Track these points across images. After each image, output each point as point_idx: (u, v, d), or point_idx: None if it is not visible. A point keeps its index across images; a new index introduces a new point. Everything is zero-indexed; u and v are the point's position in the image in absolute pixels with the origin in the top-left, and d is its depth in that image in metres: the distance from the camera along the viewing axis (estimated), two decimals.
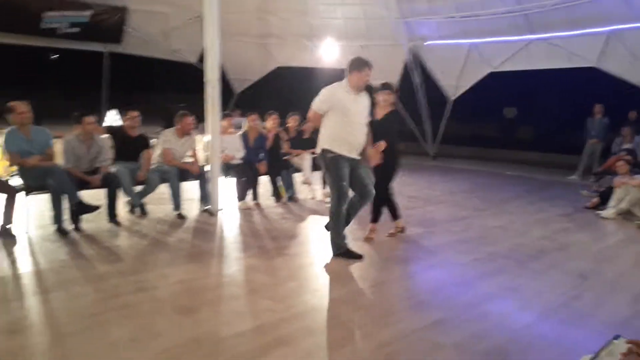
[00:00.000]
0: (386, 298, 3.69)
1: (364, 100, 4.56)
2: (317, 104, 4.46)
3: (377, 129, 4.83)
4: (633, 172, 6.99)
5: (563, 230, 5.96)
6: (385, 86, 5.07)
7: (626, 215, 6.60)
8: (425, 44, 12.88)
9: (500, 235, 5.65)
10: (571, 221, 6.46)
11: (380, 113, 4.99)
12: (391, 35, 12.88)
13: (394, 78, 13.49)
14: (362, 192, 4.60)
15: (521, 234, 5.73)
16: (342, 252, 4.49)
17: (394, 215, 5.37)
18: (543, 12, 10.71)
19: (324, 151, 4.45)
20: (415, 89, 13.38)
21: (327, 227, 4.73)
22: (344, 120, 4.39)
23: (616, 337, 1.93)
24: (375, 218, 5.17)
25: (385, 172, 5.01)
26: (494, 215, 6.67)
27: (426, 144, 13.92)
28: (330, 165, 4.41)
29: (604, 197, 7.09)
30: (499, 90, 16.41)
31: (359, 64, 4.44)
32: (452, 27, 12.28)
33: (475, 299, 3.66)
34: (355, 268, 4.30)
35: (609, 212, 6.66)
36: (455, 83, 13.08)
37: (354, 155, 4.51)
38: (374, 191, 4.66)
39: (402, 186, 8.78)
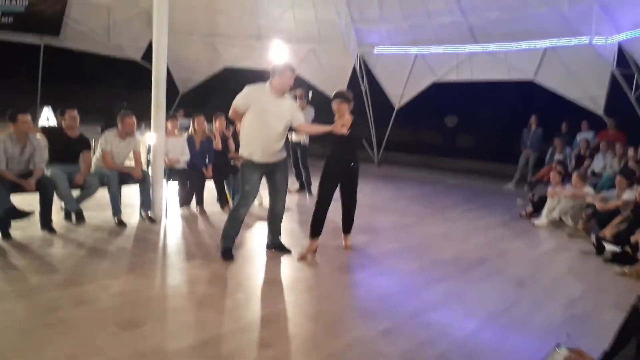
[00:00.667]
0: (334, 307, 3.70)
1: (285, 104, 4.55)
2: (237, 100, 4.47)
3: (350, 139, 4.80)
4: (564, 182, 7.43)
5: (501, 238, 6.23)
6: (342, 95, 4.97)
7: (558, 223, 6.99)
8: (374, 52, 13.09)
9: (443, 242, 5.83)
10: (508, 229, 6.76)
11: (343, 125, 4.58)
12: (341, 40, 12.99)
13: (343, 84, 13.63)
14: (274, 199, 4.76)
15: (463, 241, 5.93)
16: (224, 252, 4.61)
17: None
18: (486, 24, 11.14)
19: (239, 155, 4.62)
20: (364, 95, 13.56)
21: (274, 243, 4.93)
22: (259, 122, 4.41)
23: (558, 346, 2.02)
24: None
25: (355, 180, 5.15)
26: (436, 223, 6.87)
27: (371, 151, 14.14)
28: (241, 169, 4.61)
29: (538, 206, 7.48)
30: (441, 99, 16.95)
31: (282, 67, 4.51)
32: (401, 35, 12.56)
33: (421, 307, 3.75)
34: (303, 277, 4.29)
35: (541, 220, 7.03)
36: (400, 92, 13.39)
37: (269, 159, 4.53)
38: (285, 200, 4.81)
39: None
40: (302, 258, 4.72)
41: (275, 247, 4.93)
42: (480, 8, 10.92)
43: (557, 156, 9.59)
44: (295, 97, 8.08)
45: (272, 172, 4.62)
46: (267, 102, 4.43)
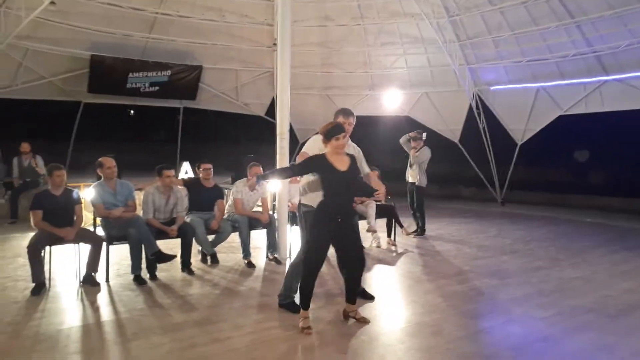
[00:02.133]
0: (464, 355, 3.51)
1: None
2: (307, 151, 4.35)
3: (347, 180, 3.99)
4: None
5: None
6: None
7: None
8: (491, 88, 12.77)
9: (583, 287, 5.29)
10: None
11: (340, 161, 3.97)
12: (455, 81, 12.90)
13: (459, 124, 13.42)
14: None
15: (607, 286, 5.33)
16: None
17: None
18: (616, 53, 10.38)
19: (302, 205, 4.31)
20: (482, 133, 13.16)
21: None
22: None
23: None
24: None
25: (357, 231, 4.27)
26: (573, 266, 6.26)
27: (493, 190, 13.51)
28: (304, 219, 4.24)
29: None
30: (569, 133, 15.78)
31: (337, 113, 4.53)
32: (520, 71, 12.14)
33: (563, 358, 3.41)
34: (427, 322, 4.15)
35: None
36: (523, 127, 12.76)
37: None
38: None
39: (471, 234, 8.54)
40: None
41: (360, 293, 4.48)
42: (609, 37, 10.20)
43: None
44: (409, 139, 8.13)
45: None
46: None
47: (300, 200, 4.33)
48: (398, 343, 3.72)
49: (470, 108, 13.04)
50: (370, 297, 4.65)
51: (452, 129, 13.45)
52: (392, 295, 4.78)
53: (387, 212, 7.30)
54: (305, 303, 3.92)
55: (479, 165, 13.62)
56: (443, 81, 13.22)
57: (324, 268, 5.76)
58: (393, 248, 7.14)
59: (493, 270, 5.96)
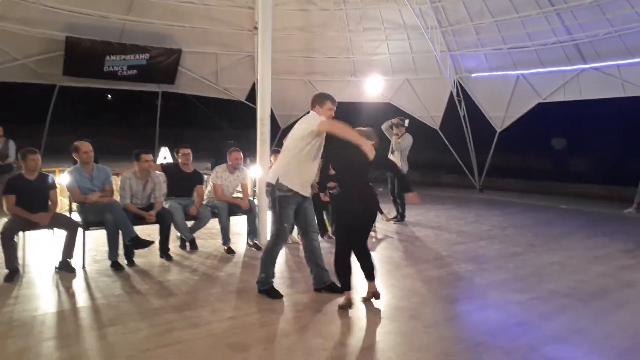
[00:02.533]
0: (442, 339, 3.55)
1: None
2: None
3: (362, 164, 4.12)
4: None
5: (625, 268, 5.63)
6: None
7: None
8: (472, 76, 12.84)
9: (558, 272, 5.40)
10: (633, 257, 6.10)
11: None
12: (437, 68, 12.93)
13: (439, 110, 13.48)
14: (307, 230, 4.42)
15: (581, 271, 5.45)
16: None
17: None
18: (595, 41, 10.51)
19: (277, 186, 4.18)
20: (462, 120, 13.27)
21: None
22: (317, 154, 4.25)
23: None
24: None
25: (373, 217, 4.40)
26: (549, 252, 6.38)
27: (472, 177, 13.66)
28: (278, 203, 4.20)
29: None
30: (547, 120, 16.00)
31: (322, 98, 4.34)
32: (500, 59, 12.22)
33: (539, 341, 3.48)
34: (407, 307, 4.19)
35: None
36: (502, 114, 12.89)
37: (307, 192, 4.34)
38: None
39: (449, 220, 8.64)
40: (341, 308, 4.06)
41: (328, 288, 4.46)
42: (588, 25, 10.32)
43: None
44: (391, 126, 8.13)
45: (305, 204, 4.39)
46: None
47: (274, 183, 4.18)
48: (377, 326, 3.75)
49: (451, 95, 13.10)
50: (339, 291, 4.27)
51: (432, 115, 13.51)
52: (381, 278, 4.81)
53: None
54: (344, 283, 4.08)
55: (458, 152, 13.73)
56: (424, 68, 13.22)
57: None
58: (373, 234, 7.18)
59: (471, 256, 6.04)
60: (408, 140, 8.14)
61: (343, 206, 4.17)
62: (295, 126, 4.33)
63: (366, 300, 4.19)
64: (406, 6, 11.80)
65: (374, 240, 6.85)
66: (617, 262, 5.83)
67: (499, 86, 12.60)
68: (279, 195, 4.18)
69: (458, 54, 12.68)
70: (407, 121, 8.37)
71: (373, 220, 4.40)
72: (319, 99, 4.34)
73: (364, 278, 4.21)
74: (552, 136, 19.32)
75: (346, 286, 4.09)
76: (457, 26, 12.05)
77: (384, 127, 8.25)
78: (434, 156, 15.16)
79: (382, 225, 7.72)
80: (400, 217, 8.22)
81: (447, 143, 13.62)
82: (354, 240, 4.16)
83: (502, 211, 9.93)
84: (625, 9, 9.63)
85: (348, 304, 4.02)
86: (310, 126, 4.14)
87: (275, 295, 4.30)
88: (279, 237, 4.29)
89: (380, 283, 4.67)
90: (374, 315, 3.99)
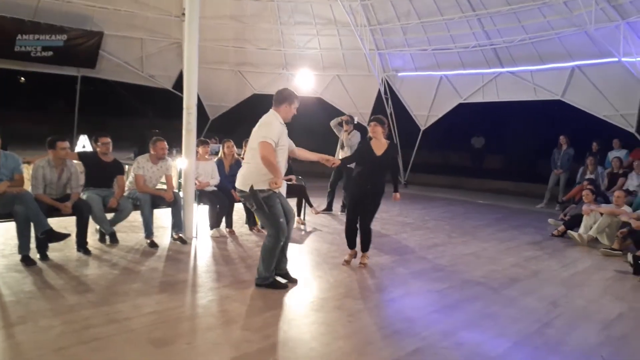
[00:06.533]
0: (363, 327, 3.68)
1: (285, 129, 4.43)
2: (272, 136, 4.16)
3: (380, 163, 5.16)
4: (596, 201, 7.26)
5: (533, 258, 6.10)
6: (377, 119, 5.21)
7: (592, 242, 6.81)
8: (398, 75, 13.26)
9: (473, 262, 5.74)
10: (541, 249, 6.62)
11: (379, 147, 5.15)
12: (366, 66, 13.21)
13: (368, 107, 13.81)
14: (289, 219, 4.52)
15: (494, 261, 5.83)
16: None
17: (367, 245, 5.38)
18: (511, 47, 11.23)
19: (257, 191, 4.20)
20: (389, 117, 13.67)
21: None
22: (280, 152, 4.28)
23: None
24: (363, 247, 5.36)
25: (377, 204, 5.27)
26: (466, 243, 6.78)
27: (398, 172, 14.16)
28: (265, 204, 4.22)
29: (569, 226, 7.31)
30: (468, 120, 16.89)
31: (292, 97, 4.39)
32: (425, 59, 12.71)
33: (452, 327, 3.69)
34: (331, 297, 4.29)
35: (578, 233, 6.91)
36: (426, 113, 13.44)
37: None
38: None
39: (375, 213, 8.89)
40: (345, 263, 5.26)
41: (283, 276, 4.61)
42: (505, 31, 11.00)
43: (589, 175, 9.38)
44: (341, 123, 8.30)
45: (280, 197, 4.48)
46: (283, 132, 4.34)
47: (247, 191, 4.19)
48: (302, 317, 3.80)
49: (379, 93, 13.47)
50: (282, 286, 4.44)
51: (362, 112, 13.83)
52: (299, 272, 4.86)
53: (298, 192, 7.37)
54: (348, 244, 5.35)
55: None
56: (354, 65, 13.49)
57: (235, 249, 5.75)
58: (302, 227, 7.24)
59: (394, 247, 6.27)
60: (356, 136, 8.37)
61: (353, 187, 5.42)
62: (255, 128, 4.31)
63: (347, 263, 5.27)
64: (337, 2, 11.94)
65: (302, 233, 6.92)
66: (526, 254, 6.30)
67: (424, 86, 13.14)
68: (263, 197, 4.20)
69: (386, 53, 13.06)
70: (356, 118, 8.64)
71: (372, 206, 5.24)
72: (289, 98, 4.36)
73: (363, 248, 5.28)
74: (472, 135, 20.41)
75: (350, 246, 5.34)
76: (386, 25, 12.40)
77: (332, 123, 8.53)
78: None
79: (312, 219, 7.81)
80: (343, 208, 8.51)
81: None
82: (357, 213, 5.23)
83: (425, 205, 10.38)
84: (538, 18, 10.37)
85: (348, 260, 5.31)
86: (259, 137, 4.16)
87: (279, 286, 4.42)
88: (279, 234, 4.29)
89: (309, 275, 4.74)
90: (301, 306, 4.05)
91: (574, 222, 7.28)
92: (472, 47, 11.72)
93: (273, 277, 4.44)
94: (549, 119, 16.15)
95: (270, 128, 4.21)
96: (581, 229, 6.99)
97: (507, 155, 20.24)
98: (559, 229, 7.47)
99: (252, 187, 4.19)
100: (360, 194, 5.21)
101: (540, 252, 6.46)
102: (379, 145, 5.16)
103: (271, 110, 4.38)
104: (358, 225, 5.25)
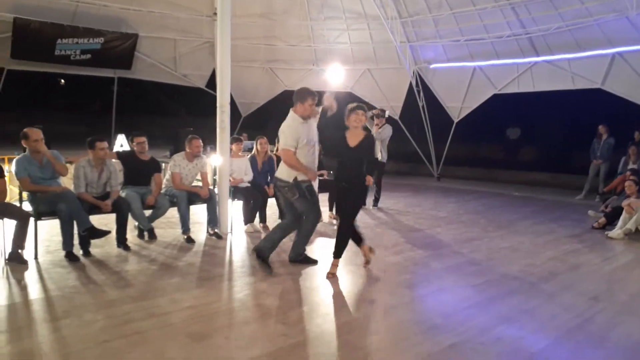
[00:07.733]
0: (398, 322, 3.67)
1: (313, 124, 4.75)
2: (291, 143, 4.55)
3: (351, 155, 4.59)
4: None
5: (573, 251, 5.93)
6: (359, 107, 4.63)
7: (632, 235, 6.57)
8: (430, 66, 13.08)
9: (510, 256, 5.63)
10: (580, 242, 6.43)
11: (353, 139, 4.57)
12: (397, 59, 13.09)
13: (399, 100, 13.69)
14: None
15: (531, 255, 5.70)
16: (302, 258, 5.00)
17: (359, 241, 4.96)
18: (547, 35, 10.90)
19: (300, 181, 4.61)
20: (421, 110, 13.52)
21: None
22: (306, 149, 4.63)
23: None
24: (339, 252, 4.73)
25: (359, 201, 4.80)
26: (502, 237, 6.64)
27: (430, 165, 13.98)
28: (308, 193, 4.66)
29: (611, 218, 7.07)
30: (502, 111, 16.54)
31: (303, 95, 4.62)
32: (458, 50, 12.49)
33: (489, 322, 3.64)
34: (366, 292, 4.29)
35: (616, 232, 6.63)
36: (459, 105, 13.21)
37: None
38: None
39: (408, 207, 8.83)
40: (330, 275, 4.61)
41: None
42: (541, 19, 10.68)
43: (631, 165, 9.04)
44: (372, 117, 8.27)
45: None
46: (304, 130, 4.61)
47: (291, 181, 4.59)
48: (337, 312, 3.82)
49: (411, 85, 13.32)
50: (313, 262, 5.00)
51: (393, 105, 13.72)
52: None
53: (330, 187, 7.38)
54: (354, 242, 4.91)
55: (417, 141, 14.01)
56: (385, 58, 13.38)
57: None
58: (334, 222, 7.25)
59: (428, 242, 6.21)
60: (388, 130, 8.34)
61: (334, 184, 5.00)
62: (282, 127, 4.69)
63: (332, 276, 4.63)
64: None
65: (334, 227, 6.92)
66: (565, 247, 6.13)
67: (456, 77, 12.90)
68: (306, 186, 4.64)
69: (417, 45, 12.89)
70: (387, 112, 8.60)
71: (348, 205, 4.70)
72: (300, 96, 4.63)
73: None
74: (506, 126, 19.97)
75: (356, 244, 4.92)
76: (416, 17, 12.23)
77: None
78: (394, 146, 15.39)
79: None
80: (375, 202, 8.54)
81: (407, 132, 13.86)
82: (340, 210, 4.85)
83: (458, 198, 10.23)
84: (575, 4, 10.02)
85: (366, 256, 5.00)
86: (281, 143, 4.69)
87: (311, 261, 4.98)
88: (318, 218, 4.84)
89: (341, 269, 4.75)
90: (334, 301, 4.06)
91: (616, 214, 7.02)
92: (506, 37, 11.44)
93: (304, 255, 4.99)
94: (588, 108, 15.63)
95: (287, 134, 4.60)
96: (619, 222, 6.74)
97: (543, 146, 19.72)
98: (599, 221, 7.23)
99: (295, 177, 4.59)
100: (337, 192, 4.87)
101: (579, 245, 6.27)
102: (354, 136, 4.56)
103: (290, 112, 4.70)
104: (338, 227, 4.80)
